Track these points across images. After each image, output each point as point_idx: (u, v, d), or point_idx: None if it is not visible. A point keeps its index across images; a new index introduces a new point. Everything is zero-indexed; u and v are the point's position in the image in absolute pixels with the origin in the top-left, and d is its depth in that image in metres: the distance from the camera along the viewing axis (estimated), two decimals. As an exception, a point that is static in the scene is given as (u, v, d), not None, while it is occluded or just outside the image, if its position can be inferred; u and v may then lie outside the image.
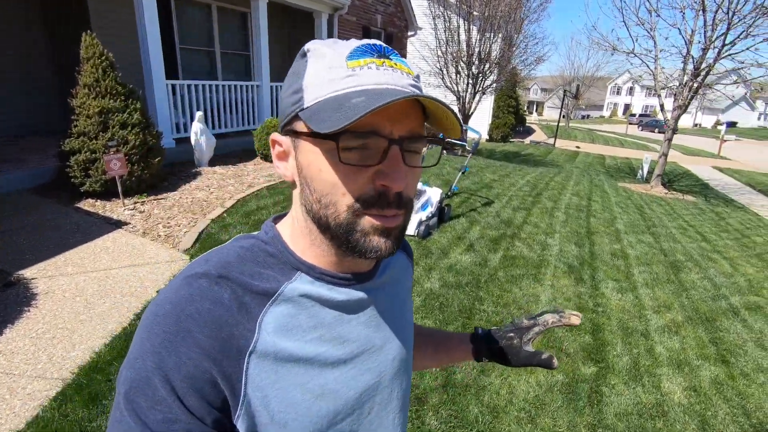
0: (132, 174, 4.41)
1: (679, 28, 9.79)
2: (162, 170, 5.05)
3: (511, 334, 0.77)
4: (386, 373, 0.59)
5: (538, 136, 25.21)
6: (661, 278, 4.49)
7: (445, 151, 11.19)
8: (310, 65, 0.48)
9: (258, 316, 0.48)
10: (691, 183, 13.80)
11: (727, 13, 8.86)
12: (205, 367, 0.44)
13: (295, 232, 0.54)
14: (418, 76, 0.51)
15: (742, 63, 9.39)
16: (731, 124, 43.90)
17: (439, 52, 11.83)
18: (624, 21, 10.45)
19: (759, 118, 51.25)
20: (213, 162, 6.08)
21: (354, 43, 0.48)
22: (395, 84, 0.46)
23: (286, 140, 0.52)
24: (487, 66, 11.70)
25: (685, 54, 10.19)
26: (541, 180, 8.98)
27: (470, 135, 5.85)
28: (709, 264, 5.31)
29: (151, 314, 0.46)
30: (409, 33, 12.90)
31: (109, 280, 3.06)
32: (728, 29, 9.04)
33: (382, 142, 0.46)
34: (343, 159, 0.45)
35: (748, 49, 9.23)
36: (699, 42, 9.70)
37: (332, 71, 0.46)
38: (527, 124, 30.77)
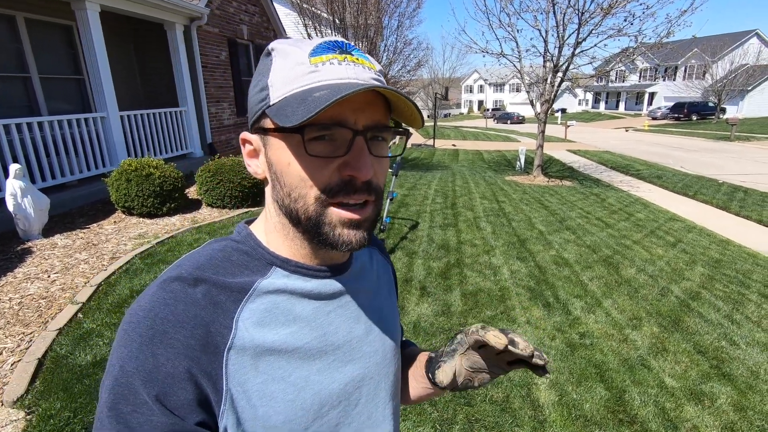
0: None
1: (539, 29, 10.50)
2: (-39, 260, 3.35)
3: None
4: (371, 363, 0.57)
5: (416, 138, 25.97)
6: (610, 282, 4.33)
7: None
8: (275, 63, 0.47)
9: (234, 313, 0.47)
10: (561, 168, 15.23)
11: (577, 13, 9.71)
12: (184, 367, 0.43)
13: (269, 229, 0.53)
14: (380, 70, 0.50)
15: (594, 58, 10.44)
16: (563, 111, 51.49)
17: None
18: (490, 24, 10.89)
19: (579, 104, 60.82)
20: (49, 230, 4.37)
21: (317, 40, 0.48)
22: (357, 78, 0.46)
23: (255, 138, 0.52)
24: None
25: (543, 52, 11.02)
26: (446, 187, 8.77)
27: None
28: (629, 253, 5.44)
29: (126, 322, 0.45)
30: (279, 44, 11.82)
31: None
32: (579, 27, 9.93)
33: (347, 133, 0.45)
34: (310, 151, 0.45)
35: (596, 45, 10.27)
36: (553, 41, 10.55)
37: (296, 68, 0.46)
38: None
